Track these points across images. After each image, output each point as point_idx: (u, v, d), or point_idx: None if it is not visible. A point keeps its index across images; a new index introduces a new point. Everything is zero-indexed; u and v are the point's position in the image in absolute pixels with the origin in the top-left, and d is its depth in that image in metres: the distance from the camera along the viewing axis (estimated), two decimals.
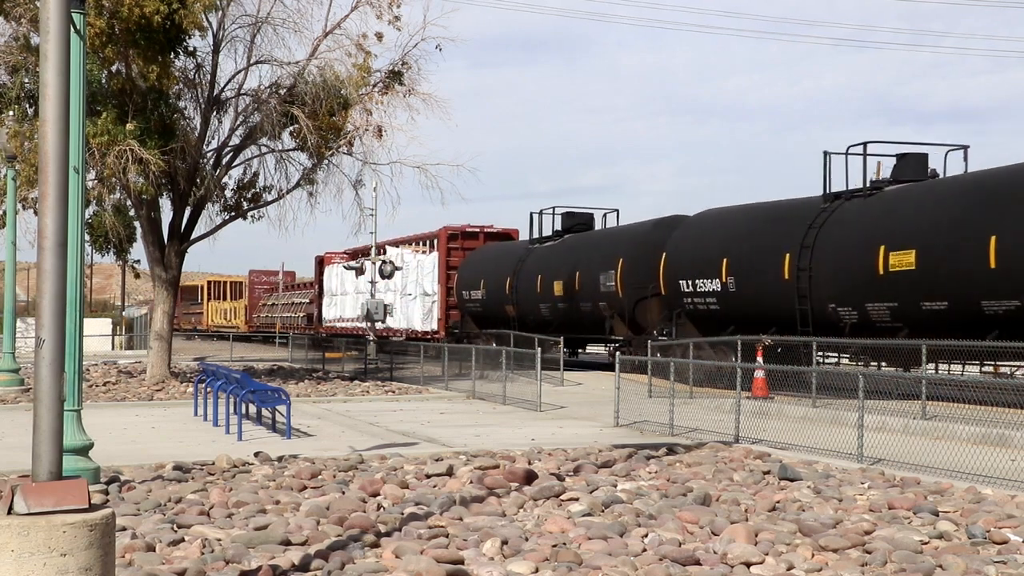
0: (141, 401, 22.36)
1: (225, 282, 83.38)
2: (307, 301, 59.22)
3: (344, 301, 51.40)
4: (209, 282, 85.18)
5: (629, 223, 33.07)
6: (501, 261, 37.76)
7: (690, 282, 26.14)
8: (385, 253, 44.33)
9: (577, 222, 36.00)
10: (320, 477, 11.35)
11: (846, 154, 22.87)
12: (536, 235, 36.83)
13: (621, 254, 29.73)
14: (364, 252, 51.42)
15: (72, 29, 7.46)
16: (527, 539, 8.28)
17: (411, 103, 26.85)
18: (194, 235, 27.08)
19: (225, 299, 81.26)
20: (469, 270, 40.08)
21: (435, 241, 43.30)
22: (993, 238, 17.93)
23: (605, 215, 35.76)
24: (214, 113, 26.48)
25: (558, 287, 32.64)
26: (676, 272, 26.73)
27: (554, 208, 36.73)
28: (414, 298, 43.38)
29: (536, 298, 34.28)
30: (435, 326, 41.92)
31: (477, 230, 42.00)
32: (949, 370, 20.90)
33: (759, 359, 22.22)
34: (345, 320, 51.20)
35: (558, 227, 36.31)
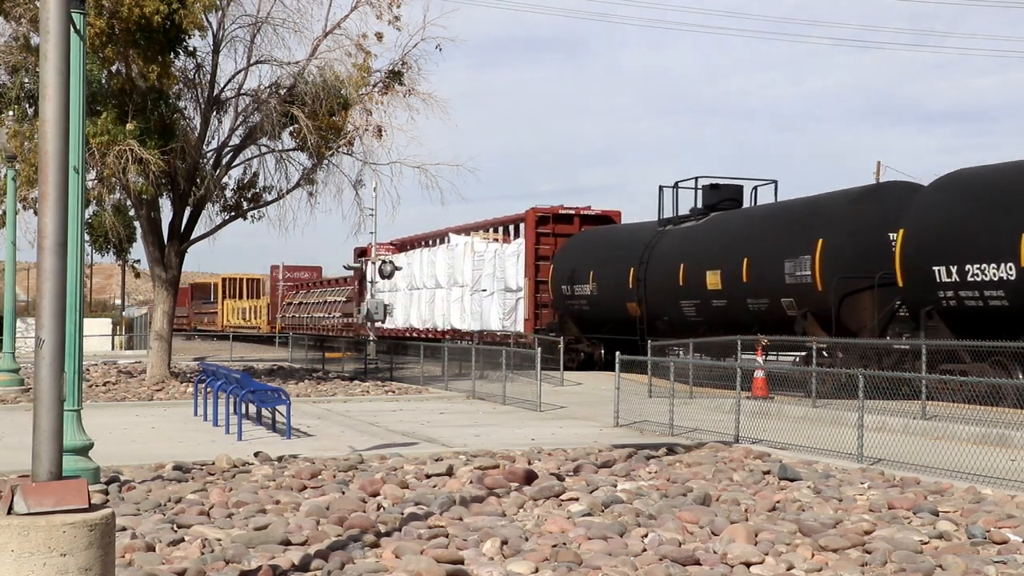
0: (141, 401, 22.36)
1: (241, 279, 79.63)
2: (344, 299, 53.87)
3: (397, 299, 45.92)
4: (225, 279, 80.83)
5: (814, 194, 25.52)
6: (618, 248, 30.69)
7: (954, 269, 19.45)
8: (448, 242, 41.04)
9: (725, 197, 28.76)
10: (320, 477, 11.35)
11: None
12: (669, 214, 29.84)
13: (820, 233, 22.87)
14: (412, 243, 47.26)
15: (72, 29, 7.46)
16: (527, 539, 8.28)
17: (411, 103, 26.87)
18: (194, 235, 27.08)
19: (241, 297, 77.73)
20: (570, 260, 33.09)
21: (519, 226, 37.33)
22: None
23: (756, 189, 28.82)
24: (214, 113, 26.48)
25: (713, 279, 25.80)
26: (927, 256, 20.16)
27: (696, 179, 29.21)
28: (490, 294, 37.36)
29: (675, 293, 27.23)
30: (519, 327, 35.55)
31: (571, 212, 35.79)
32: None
33: (759, 359, 22.22)
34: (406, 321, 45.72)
35: (698, 204, 29.39)
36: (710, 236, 27.01)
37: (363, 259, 49.81)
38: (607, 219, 36.06)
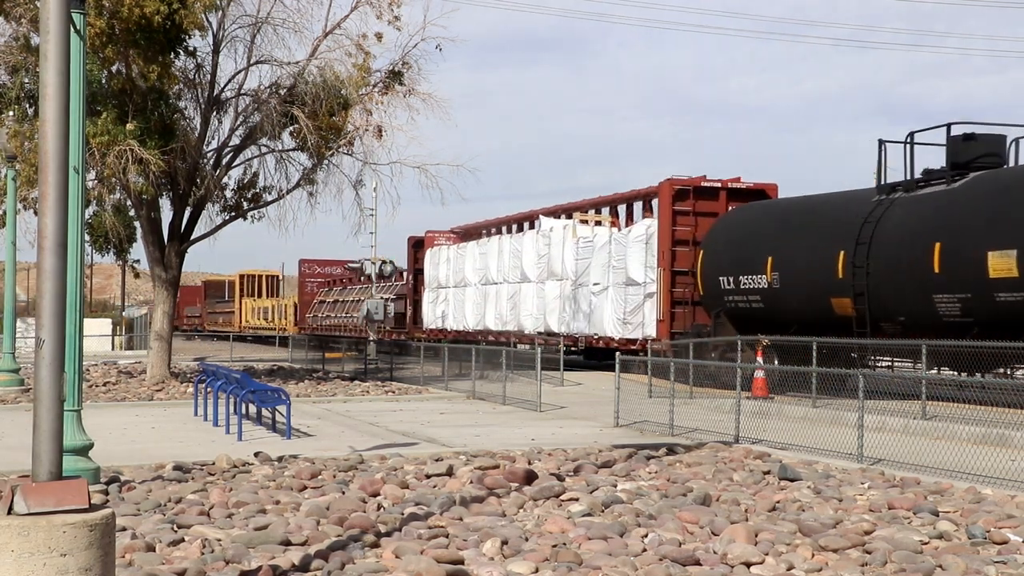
0: (141, 401, 22.37)
1: (261, 276, 73.69)
2: (393, 297, 47.37)
3: (465, 296, 39.32)
4: (242, 276, 74.26)
5: None
6: (814, 225, 23.24)
7: None
8: (538, 227, 35.02)
9: (984, 152, 20.85)
10: (320, 477, 11.35)
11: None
12: (903, 177, 21.78)
13: None
14: (478, 231, 41.61)
15: (72, 29, 7.46)
16: (527, 539, 8.28)
17: (411, 103, 26.87)
18: (194, 235, 27.08)
19: (261, 295, 71.98)
20: (730, 243, 25.63)
21: (649, 203, 30.95)
22: None
23: (1018, 141, 21.02)
24: (214, 113, 26.48)
25: (1000, 264, 18.48)
26: None
27: (948, 127, 21.16)
28: (603, 290, 30.23)
29: (924, 284, 19.93)
30: (649, 330, 28.10)
31: (716, 185, 28.51)
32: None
33: (759, 359, 22.22)
34: (471, 322, 38.76)
35: (913, 169, 21.58)
36: (980, 203, 19.55)
37: (419, 249, 44.61)
38: (761, 193, 28.65)
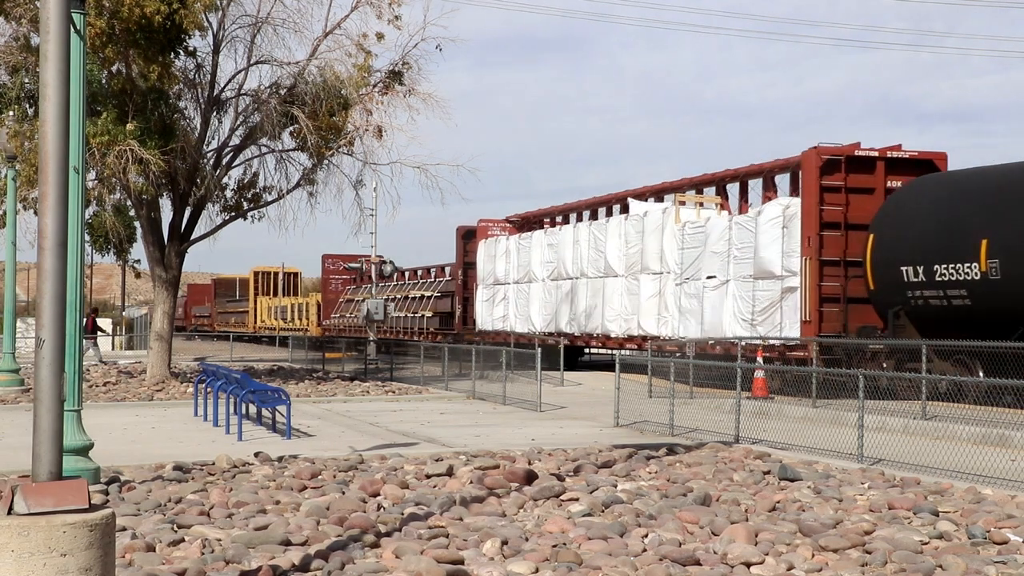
0: (141, 401, 22.36)
1: (277, 273, 68.84)
2: (436, 295, 43.28)
3: (531, 292, 34.79)
4: (257, 273, 69.38)
5: None
6: None
7: None
8: (627, 212, 30.83)
9: None
10: (320, 477, 11.35)
11: None
12: None
13: None
14: (534, 220, 37.65)
15: (72, 29, 7.46)
16: (527, 539, 8.28)
17: (411, 103, 26.87)
18: (194, 235, 27.08)
19: (277, 294, 67.58)
20: (916, 224, 21.11)
21: (771, 179, 26.77)
22: None
23: None
24: (214, 113, 26.49)
25: None
26: None
27: None
28: (721, 284, 25.70)
29: None
30: (789, 331, 23.62)
31: (873, 154, 23.83)
32: None
33: (759, 359, 22.23)
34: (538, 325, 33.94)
35: None
36: None
37: (469, 241, 39.69)
38: (928, 164, 24.06)
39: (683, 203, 28.94)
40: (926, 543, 8.27)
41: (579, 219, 35.16)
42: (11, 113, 23.39)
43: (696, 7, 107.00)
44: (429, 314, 43.80)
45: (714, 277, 25.91)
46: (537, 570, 7.42)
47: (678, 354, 25.80)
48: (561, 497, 10.13)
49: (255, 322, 66.99)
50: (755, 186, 27.68)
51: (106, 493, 10.25)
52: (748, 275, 24.83)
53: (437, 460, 12.26)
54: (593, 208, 34.87)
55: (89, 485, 5.87)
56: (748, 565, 7.57)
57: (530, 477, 10.92)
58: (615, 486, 10.71)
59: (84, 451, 10.62)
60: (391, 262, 40.17)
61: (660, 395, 19.19)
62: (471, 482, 10.83)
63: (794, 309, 23.46)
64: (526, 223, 38.42)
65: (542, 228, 36.31)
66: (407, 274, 48.91)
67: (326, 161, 26.80)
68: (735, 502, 9.89)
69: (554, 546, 7.98)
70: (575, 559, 7.61)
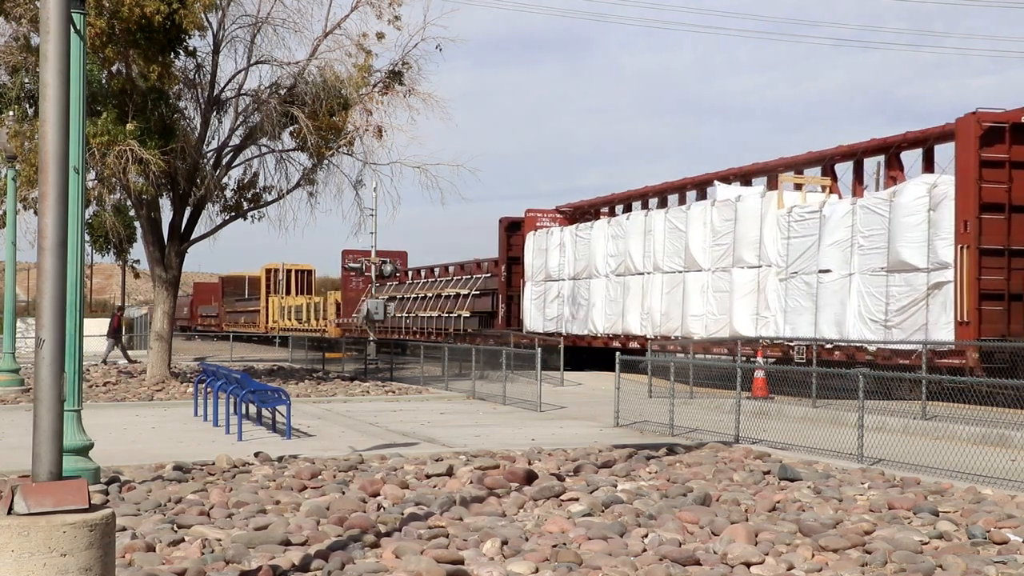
0: (141, 401, 22.36)
1: (290, 270, 64.97)
2: (474, 293, 40.51)
3: (591, 290, 31.34)
4: (269, 271, 65.61)
5: None
6: None
7: None
8: (713, 197, 27.53)
9: None
10: (320, 477, 11.35)
11: None
12: None
13: None
14: (588, 209, 34.58)
15: (72, 29, 7.46)
16: (527, 539, 8.28)
17: (411, 103, 26.88)
18: (194, 235, 27.09)
19: (289, 292, 64.41)
20: None
21: (897, 157, 23.93)
22: None
23: None
24: (214, 113, 26.49)
25: None
26: None
27: None
28: (843, 278, 22.67)
29: None
30: (939, 334, 20.17)
31: None
32: None
33: (759, 359, 22.22)
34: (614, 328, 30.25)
35: None
36: None
37: (513, 233, 36.29)
38: None
39: (800, 184, 25.68)
40: (926, 543, 8.27)
41: (644, 207, 31.62)
42: (11, 113, 23.40)
43: (696, 7, 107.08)
44: (466, 314, 40.44)
45: (829, 271, 22.72)
46: (537, 570, 7.42)
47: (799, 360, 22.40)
48: (561, 497, 10.13)
49: (267, 322, 63.78)
50: (869, 165, 24.97)
51: (106, 493, 10.25)
52: (879, 268, 21.53)
53: (437, 460, 12.26)
54: (662, 194, 31.18)
55: (89, 485, 5.87)
56: (748, 565, 7.57)
57: (530, 477, 10.92)
58: (615, 486, 10.71)
59: (84, 451, 10.62)
60: (391, 262, 40.02)
61: (660, 395, 19.19)
62: (471, 482, 10.82)
63: (945, 308, 20.04)
64: (579, 213, 35.17)
65: (598, 218, 33.07)
66: (436, 271, 45.68)
67: (326, 161, 26.80)
68: (735, 502, 9.89)
69: (554, 546, 7.98)
70: (575, 559, 7.61)
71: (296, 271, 65.50)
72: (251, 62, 26.21)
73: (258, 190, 27.77)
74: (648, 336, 28.17)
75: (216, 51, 25.80)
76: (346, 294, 51.67)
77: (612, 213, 33.47)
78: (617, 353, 18.85)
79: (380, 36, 26.02)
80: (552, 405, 21.11)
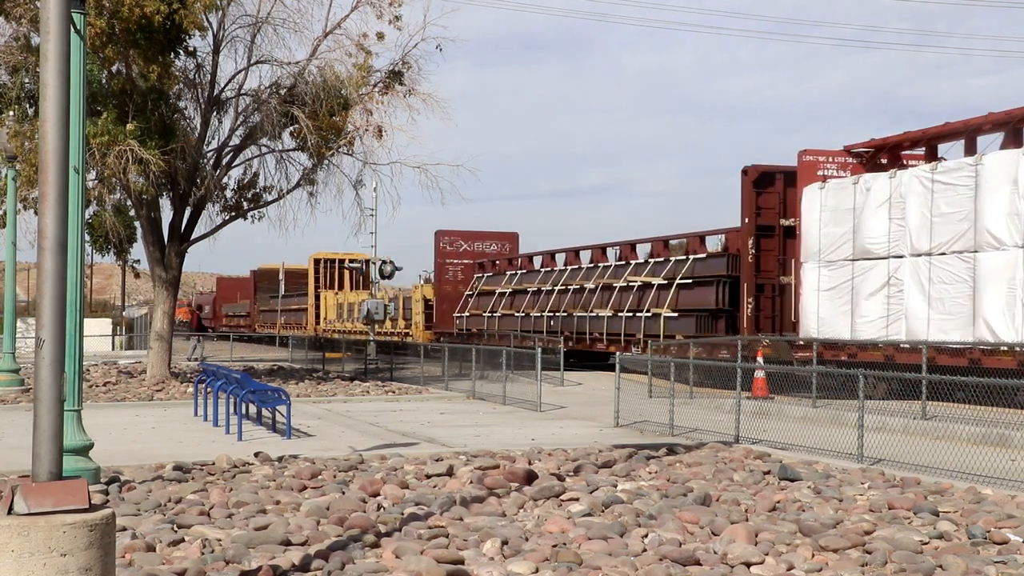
0: (141, 401, 22.37)
1: (342, 260, 53.06)
2: (687, 281, 28.25)
3: (902, 269, 20.96)
4: (318, 260, 54.88)
5: None
6: None
7: None
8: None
9: None
10: (320, 477, 11.36)
11: None
12: None
13: None
14: (905, 146, 23.50)
15: (72, 29, 7.46)
16: (527, 539, 8.28)
17: (411, 103, 26.88)
18: (194, 235, 27.10)
19: (342, 287, 54.10)
20: None
21: None
22: None
23: None
24: (214, 113, 26.50)
25: None
26: None
27: None
28: None
29: None
30: None
31: None
32: None
33: (759, 359, 22.23)
34: None
35: None
36: None
37: (764, 189, 25.46)
38: None
39: None
40: (926, 543, 8.27)
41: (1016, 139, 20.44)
42: (11, 113, 23.40)
43: (697, 7, 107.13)
44: (669, 312, 28.33)
45: None
46: (537, 570, 7.42)
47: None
48: (561, 497, 10.13)
49: (317, 322, 54.29)
50: None
51: (106, 493, 10.25)
52: None
53: (437, 460, 12.27)
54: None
55: (89, 485, 5.86)
56: (748, 565, 7.57)
57: (530, 477, 10.92)
58: (615, 486, 10.71)
59: (84, 451, 10.62)
60: (390, 261, 39.77)
61: (660, 395, 19.19)
62: (471, 482, 10.83)
63: None
64: (886, 154, 24.30)
65: (901, 166, 23.18)
66: (614, 253, 33.43)
67: (326, 161, 26.81)
68: (735, 502, 9.89)
69: (554, 546, 7.98)
70: (575, 559, 7.61)
71: (351, 262, 52.64)
72: (251, 62, 26.22)
73: (258, 190, 27.77)
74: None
75: (216, 51, 25.81)
76: (440, 287, 41.68)
77: (933, 156, 22.91)
78: (617, 353, 18.84)
79: (380, 36, 26.04)
80: (552, 405, 21.11)
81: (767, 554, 7.84)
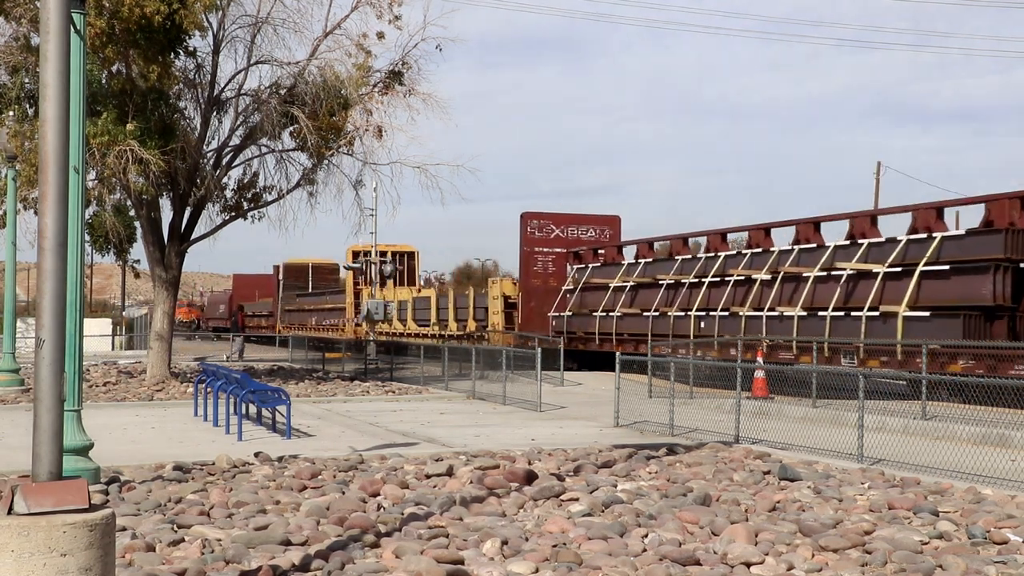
0: (141, 401, 22.36)
1: (386, 253, 45.51)
2: (925, 269, 20.77)
3: None
4: (357, 254, 46.07)
5: None
6: None
7: None
8: None
9: None
10: (320, 477, 11.35)
11: None
12: None
13: None
14: None
15: (72, 29, 7.46)
16: (527, 539, 8.28)
17: (411, 103, 26.91)
18: (194, 235, 27.10)
19: (383, 284, 46.45)
20: None
21: None
22: None
23: None
24: (214, 113, 26.50)
25: None
26: None
27: None
28: None
29: None
30: None
31: None
32: None
33: (759, 359, 22.23)
34: None
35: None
36: None
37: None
38: None
39: None
40: (926, 543, 8.27)
41: None
42: (11, 113, 23.40)
43: (697, 7, 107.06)
44: (908, 311, 20.85)
45: None
46: (537, 570, 7.42)
47: None
48: (561, 497, 10.13)
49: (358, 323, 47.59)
50: None
51: (106, 493, 10.25)
52: None
53: (437, 460, 12.27)
54: None
55: (89, 485, 5.87)
56: (748, 565, 7.57)
57: (530, 477, 10.92)
58: (615, 486, 10.71)
59: (84, 451, 10.62)
60: (391, 262, 39.70)
61: (660, 395, 19.19)
62: (471, 482, 10.82)
63: None
64: None
65: None
66: (785, 234, 26.16)
67: (326, 161, 26.82)
68: (735, 502, 9.88)
69: (554, 546, 7.98)
70: (575, 559, 7.61)
71: (393, 254, 46.14)
72: (251, 62, 26.23)
73: (258, 190, 27.78)
74: None
75: (216, 51, 25.81)
76: (527, 281, 35.36)
77: None
78: (617, 353, 18.84)
79: (380, 36, 26.05)
80: (552, 405, 21.11)
81: (767, 554, 7.84)
